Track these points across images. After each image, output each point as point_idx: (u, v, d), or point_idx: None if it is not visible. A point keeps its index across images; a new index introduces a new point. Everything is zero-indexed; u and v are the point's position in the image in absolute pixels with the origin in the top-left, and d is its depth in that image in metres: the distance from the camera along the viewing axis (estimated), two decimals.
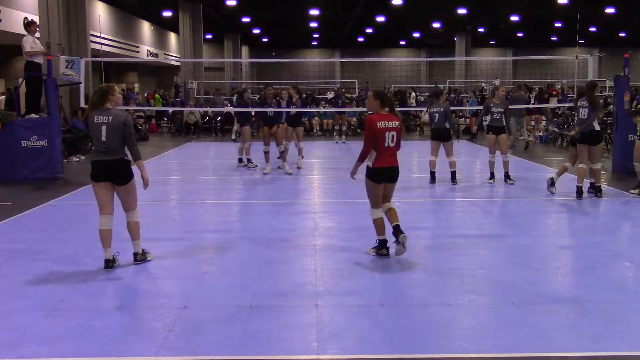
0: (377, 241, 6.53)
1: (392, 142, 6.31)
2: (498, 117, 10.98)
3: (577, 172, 9.57)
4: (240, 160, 13.56)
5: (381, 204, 6.47)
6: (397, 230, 6.29)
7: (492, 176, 11.22)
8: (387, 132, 6.27)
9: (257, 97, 15.41)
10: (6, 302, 5.23)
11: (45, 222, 8.43)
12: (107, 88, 6.23)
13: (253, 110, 13.60)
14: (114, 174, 6.12)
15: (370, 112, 6.45)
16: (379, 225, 6.47)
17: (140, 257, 6.33)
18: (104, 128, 6.01)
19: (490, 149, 11.16)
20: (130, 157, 6.16)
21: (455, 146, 11.13)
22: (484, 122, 11.69)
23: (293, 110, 12.81)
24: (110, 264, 6.14)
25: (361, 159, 6.42)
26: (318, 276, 5.88)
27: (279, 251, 6.78)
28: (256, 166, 13.20)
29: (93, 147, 6.34)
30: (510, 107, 18.82)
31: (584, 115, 9.36)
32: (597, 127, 9.44)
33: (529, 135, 18.86)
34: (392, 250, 6.40)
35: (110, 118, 6.04)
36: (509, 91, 17.54)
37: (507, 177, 11.06)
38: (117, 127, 6.02)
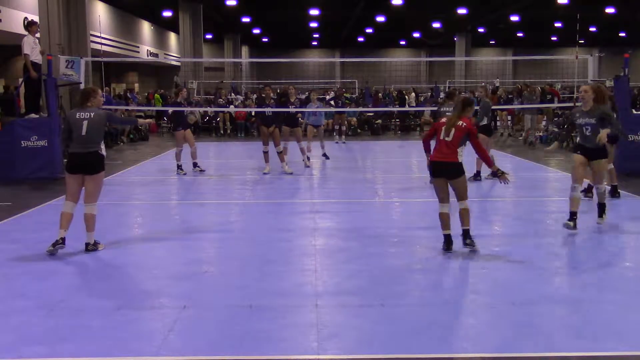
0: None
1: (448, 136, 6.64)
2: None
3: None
4: (179, 167, 12.76)
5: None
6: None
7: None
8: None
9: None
10: (6, 302, 5.22)
11: (45, 222, 8.40)
12: (89, 89, 6.96)
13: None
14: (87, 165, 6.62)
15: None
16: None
17: (91, 247, 6.74)
18: (85, 123, 6.57)
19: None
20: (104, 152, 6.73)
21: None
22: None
23: (293, 110, 12.82)
24: (61, 241, 6.63)
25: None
26: (318, 276, 5.88)
27: (279, 251, 6.78)
28: (185, 173, 12.58)
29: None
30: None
31: None
32: None
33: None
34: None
35: (92, 114, 6.62)
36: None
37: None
38: (98, 122, 6.61)
